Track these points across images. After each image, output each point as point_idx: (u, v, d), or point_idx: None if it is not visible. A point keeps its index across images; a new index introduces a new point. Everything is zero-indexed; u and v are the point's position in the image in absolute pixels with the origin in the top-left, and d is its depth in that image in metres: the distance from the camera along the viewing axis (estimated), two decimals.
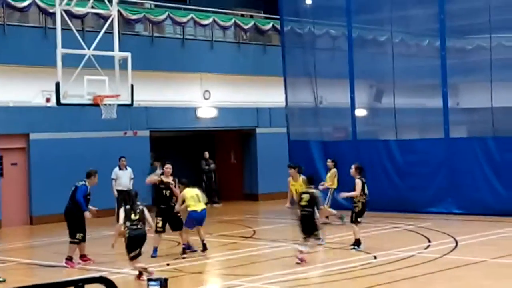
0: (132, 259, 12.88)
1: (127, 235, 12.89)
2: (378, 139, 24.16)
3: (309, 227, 14.58)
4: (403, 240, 17.25)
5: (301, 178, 17.51)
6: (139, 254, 12.94)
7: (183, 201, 15.65)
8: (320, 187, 18.23)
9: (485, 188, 20.94)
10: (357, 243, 16.06)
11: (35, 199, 22.96)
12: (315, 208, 14.65)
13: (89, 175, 15.43)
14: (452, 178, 21.73)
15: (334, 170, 20.79)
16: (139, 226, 13.09)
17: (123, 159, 22.22)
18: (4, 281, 13.30)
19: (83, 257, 15.40)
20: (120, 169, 22.16)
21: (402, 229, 19.41)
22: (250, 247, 17.23)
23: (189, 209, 15.58)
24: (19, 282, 13.03)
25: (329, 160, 21.23)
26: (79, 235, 15.14)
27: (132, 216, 13.06)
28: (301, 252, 14.41)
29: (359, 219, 16.27)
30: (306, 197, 14.68)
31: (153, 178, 16.50)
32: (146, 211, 13.32)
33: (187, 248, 15.84)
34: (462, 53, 24.61)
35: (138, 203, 13.34)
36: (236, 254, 16.15)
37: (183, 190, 15.79)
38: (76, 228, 15.19)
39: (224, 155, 30.43)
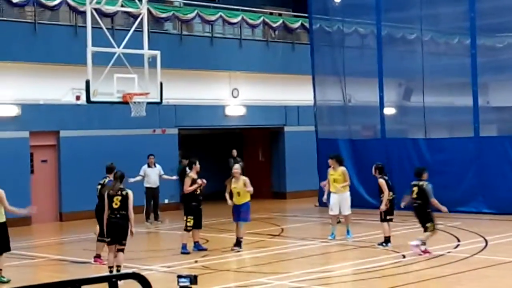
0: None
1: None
2: (407, 138, 24.03)
3: (421, 219, 15.07)
4: (432, 239, 17.13)
5: (340, 168, 17.74)
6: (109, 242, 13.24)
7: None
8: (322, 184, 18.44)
9: (509, 186, 20.74)
10: (386, 240, 16.03)
11: (65, 196, 23.18)
12: (422, 200, 14.93)
13: (111, 170, 15.37)
14: (482, 177, 21.56)
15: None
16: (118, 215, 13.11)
17: (152, 156, 22.32)
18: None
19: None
20: (149, 166, 22.27)
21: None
22: (278, 245, 17.24)
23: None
24: (49, 278, 13.15)
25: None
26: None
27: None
28: (418, 245, 14.68)
29: (388, 217, 16.23)
30: (415, 189, 15.06)
31: (188, 183, 16.35)
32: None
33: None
34: (493, 51, 24.38)
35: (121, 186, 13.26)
36: (264, 252, 16.17)
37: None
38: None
39: (252, 153, 30.46)
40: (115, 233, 13.16)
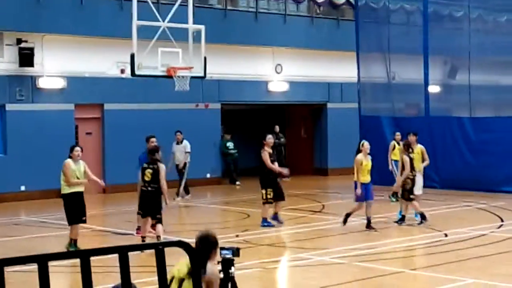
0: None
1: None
2: (451, 116, 23.77)
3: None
4: (475, 219, 17.02)
5: (419, 146, 17.39)
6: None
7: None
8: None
9: None
10: (422, 217, 15.89)
11: (109, 168, 23.45)
12: None
13: (146, 140, 15.50)
14: None
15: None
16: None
17: (179, 133, 21.67)
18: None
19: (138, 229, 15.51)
20: (177, 143, 21.74)
21: (474, 208, 19.15)
22: (319, 221, 17.27)
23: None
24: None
25: (397, 133, 20.48)
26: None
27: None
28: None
29: (411, 196, 16.04)
30: None
31: (267, 157, 16.19)
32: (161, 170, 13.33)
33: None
34: None
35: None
36: (305, 228, 16.21)
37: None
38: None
39: (295, 129, 30.44)
40: (146, 205, 13.48)
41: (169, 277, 4.67)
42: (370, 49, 25.43)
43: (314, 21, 28.58)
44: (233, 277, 7.24)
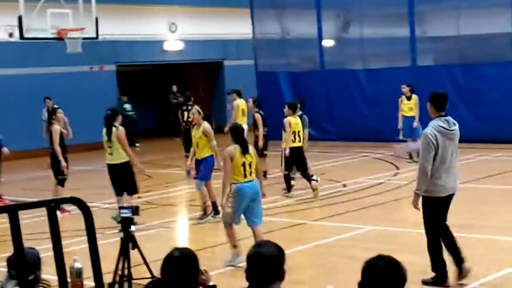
0: None
1: None
2: (345, 69, 24.14)
3: None
4: (372, 168, 17.43)
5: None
6: None
7: None
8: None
9: (451, 115, 21.00)
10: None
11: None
12: None
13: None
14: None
15: (415, 96, 18.43)
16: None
17: (48, 100, 20.78)
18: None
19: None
20: (47, 110, 20.72)
21: (370, 158, 19.60)
22: (219, 178, 17.25)
23: None
24: None
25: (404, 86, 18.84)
26: None
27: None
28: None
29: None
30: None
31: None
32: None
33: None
34: None
35: None
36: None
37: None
38: None
39: (192, 88, 30.20)
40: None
41: None
42: (264, 5, 25.42)
43: None
44: (133, 236, 7.19)
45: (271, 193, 14.54)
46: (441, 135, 8.13)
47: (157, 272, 5.02)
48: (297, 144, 14.27)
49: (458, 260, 8.16)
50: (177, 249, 4.28)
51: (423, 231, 8.34)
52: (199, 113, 12.78)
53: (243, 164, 9.45)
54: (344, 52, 25.05)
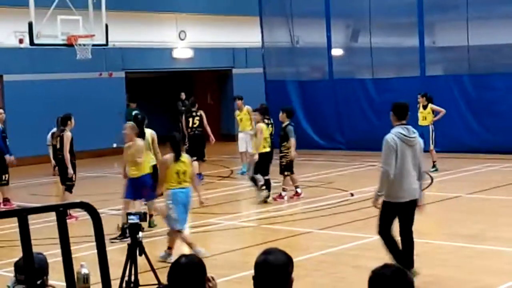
0: None
1: None
2: (354, 78, 24.15)
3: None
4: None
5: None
6: None
7: None
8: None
9: (460, 125, 21.02)
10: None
11: (11, 141, 22.68)
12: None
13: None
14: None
15: (431, 106, 18.51)
16: None
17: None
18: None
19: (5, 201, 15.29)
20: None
21: (378, 167, 19.52)
22: (227, 186, 17.31)
23: None
24: None
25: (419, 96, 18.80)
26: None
27: None
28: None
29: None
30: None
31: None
32: None
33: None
34: None
35: None
36: (214, 193, 16.21)
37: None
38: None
39: (201, 96, 30.29)
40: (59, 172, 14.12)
41: None
42: (273, 14, 25.49)
43: None
44: (141, 242, 7.22)
45: (275, 202, 14.56)
46: (401, 141, 8.56)
47: (164, 279, 5.03)
48: (266, 149, 14.89)
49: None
50: (184, 256, 4.27)
51: (429, 240, 8.37)
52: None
53: (177, 172, 10.21)
54: (353, 62, 25.09)
